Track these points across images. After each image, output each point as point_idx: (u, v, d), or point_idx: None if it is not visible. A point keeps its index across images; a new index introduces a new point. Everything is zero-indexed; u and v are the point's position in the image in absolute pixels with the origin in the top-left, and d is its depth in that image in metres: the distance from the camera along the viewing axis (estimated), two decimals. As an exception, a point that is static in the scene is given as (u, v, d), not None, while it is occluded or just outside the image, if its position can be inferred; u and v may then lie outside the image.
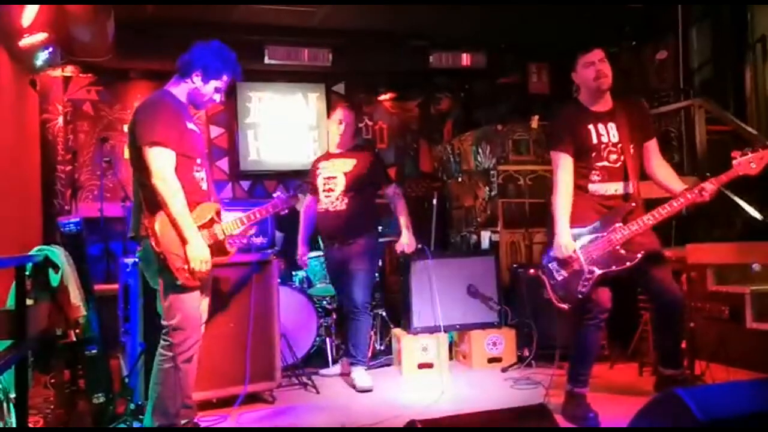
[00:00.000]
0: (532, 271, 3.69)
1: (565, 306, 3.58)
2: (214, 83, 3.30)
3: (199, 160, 3.28)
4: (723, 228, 4.78)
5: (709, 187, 3.40)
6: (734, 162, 3.39)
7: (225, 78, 3.32)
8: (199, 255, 3.08)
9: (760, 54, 5.81)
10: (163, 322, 3.19)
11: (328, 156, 4.83)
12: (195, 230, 3.10)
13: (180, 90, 3.30)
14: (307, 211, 4.85)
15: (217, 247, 3.27)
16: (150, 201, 3.09)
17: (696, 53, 6.20)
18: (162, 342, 3.20)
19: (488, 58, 6.93)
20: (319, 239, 4.95)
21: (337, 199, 4.60)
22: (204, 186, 3.31)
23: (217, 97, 3.36)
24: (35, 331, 3.20)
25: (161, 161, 3.05)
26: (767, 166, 3.37)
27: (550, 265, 3.61)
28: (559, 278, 3.57)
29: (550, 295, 3.63)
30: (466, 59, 6.88)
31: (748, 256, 4.45)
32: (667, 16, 6.15)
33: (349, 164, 4.66)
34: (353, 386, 4.52)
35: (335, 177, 4.64)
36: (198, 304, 3.22)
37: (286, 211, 3.89)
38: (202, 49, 3.29)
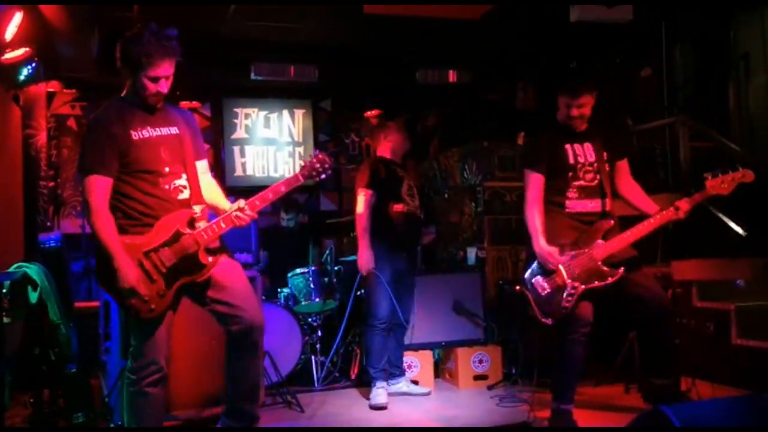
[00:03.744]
0: (517, 287, 3.70)
1: (549, 321, 3.60)
2: (140, 76, 2.87)
3: (166, 169, 2.94)
4: (707, 244, 4.79)
5: (683, 206, 3.47)
6: (706, 182, 3.48)
7: (149, 66, 2.84)
8: (123, 288, 2.78)
9: (743, 71, 5.86)
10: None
11: (395, 163, 4.76)
12: (124, 261, 2.78)
13: (128, 90, 2.98)
14: (370, 211, 4.50)
15: (187, 264, 2.91)
16: None
17: (680, 70, 6.26)
18: (128, 364, 3.03)
19: (474, 74, 6.95)
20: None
21: (420, 206, 4.70)
22: (184, 195, 2.97)
23: (160, 88, 2.92)
24: (12, 350, 3.14)
25: (89, 190, 2.84)
26: (737, 187, 3.46)
27: (533, 280, 3.62)
28: (543, 294, 3.58)
29: (535, 311, 3.64)
30: (452, 76, 6.89)
31: (732, 272, 4.47)
32: (651, 34, 6.20)
33: (413, 178, 4.83)
34: (410, 393, 4.66)
35: (414, 185, 4.74)
36: (157, 328, 2.93)
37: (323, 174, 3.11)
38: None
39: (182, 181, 2.98)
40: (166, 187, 2.93)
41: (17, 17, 4.56)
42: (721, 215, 4.72)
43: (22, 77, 5.17)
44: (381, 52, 6.66)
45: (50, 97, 6.62)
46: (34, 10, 4.60)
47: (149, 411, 2.98)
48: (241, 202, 2.98)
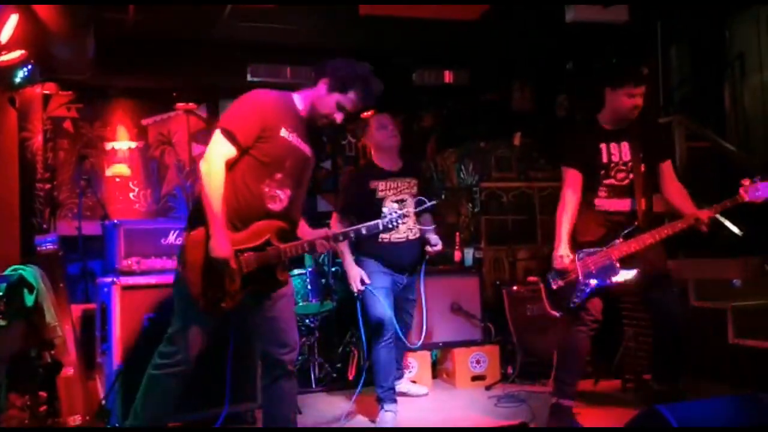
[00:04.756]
0: (533, 277, 3.83)
1: (557, 313, 3.68)
2: (337, 97, 3.00)
3: (279, 176, 2.92)
4: (704, 244, 4.80)
5: (704, 216, 3.48)
6: (741, 189, 3.45)
7: (352, 96, 3.01)
8: (216, 255, 2.75)
9: (738, 71, 5.88)
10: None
11: (381, 173, 4.22)
12: (221, 225, 2.77)
13: (303, 97, 3.07)
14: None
15: (263, 274, 2.90)
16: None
17: (675, 71, 6.27)
18: (161, 346, 3.00)
19: (471, 75, 6.96)
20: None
21: (415, 225, 4.17)
22: (275, 205, 2.92)
23: (338, 117, 3.02)
24: (9, 353, 3.14)
25: (218, 147, 2.83)
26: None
27: (548, 275, 3.69)
28: (555, 287, 3.66)
29: (545, 302, 3.72)
30: (448, 76, 6.90)
31: (729, 271, 4.48)
32: (647, 34, 6.21)
33: (413, 186, 4.24)
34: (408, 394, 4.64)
35: (405, 200, 4.16)
36: (203, 327, 2.93)
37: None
38: (341, 60, 3.07)
39: (283, 194, 2.95)
40: (266, 189, 2.91)
41: (13, 19, 4.55)
42: (717, 215, 4.72)
43: (17, 80, 5.15)
44: (377, 53, 6.64)
45: (46, 99, 6.61)
46: (30, 12, 4.59)
47: (163, 398, 2.99)
48: (329, 232, 3.04)
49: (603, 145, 3.69)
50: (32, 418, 3.61)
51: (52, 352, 3.48)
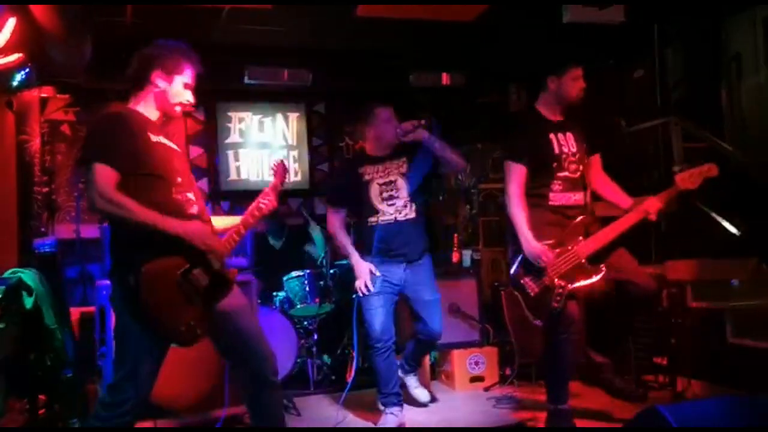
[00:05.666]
0: (508, 289, 3.67)
1: (538, 323, 3.57)
2: (179, 79, 2.88)
3: (179, 179, 2.80)
4: (702, 244, 4.80)
5: (653, 207, 3.47)
6: (676, 177, 3.49)
7: (188, 70, 2.91)
8: (213, 247, 2.70)
9: (735, 72, 5.89)
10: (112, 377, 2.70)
11: (368, 159, 4.14)
12: (179, 223, 2.63)
13: (143, 102, 2.87)
14: (345, 226, 4.24)
15: (216, 282, 2.76)
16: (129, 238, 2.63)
17: (672, 72, 6.28)
18: (102, 399, 2.72)
19: (468, 77, 6.96)
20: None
21: (405, 206, 3.99)
22: (194, 209, 2.80)
23: (189, 95, 2.92)
24: (7, 356, 3.13)
25: (102, 180, 2.57)
26: (705, 181, 3.48)
27: (522, 281, 3.54)
28: (533, 295, 3.51)
29: (526, 312, 3.59)
30: (445, 78, 6.90)
31: (727, 272, 4.48)
32: (643, 36, 6.23)
33: (402, 165, 4.06)
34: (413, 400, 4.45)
35: (394, 181, 4.03)
36: (156, 364, 2.71)
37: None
38: (155, 48, 2.91)
39: (191, 195, 2.84)
40: (178, 197, 2.77)
41: (10, 23, 4.55)
42: (714, 215, 4.73)
43: (15, 83, 5.14)
44: (374, 55, 6.67)
45: (43, 102, 6.60)
46: (27, 15, 4.59)
47: None
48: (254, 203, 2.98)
49: (552, 136, 3.59)
50: (31, 422, 3.61)
51: (51, 355, 3.48)
